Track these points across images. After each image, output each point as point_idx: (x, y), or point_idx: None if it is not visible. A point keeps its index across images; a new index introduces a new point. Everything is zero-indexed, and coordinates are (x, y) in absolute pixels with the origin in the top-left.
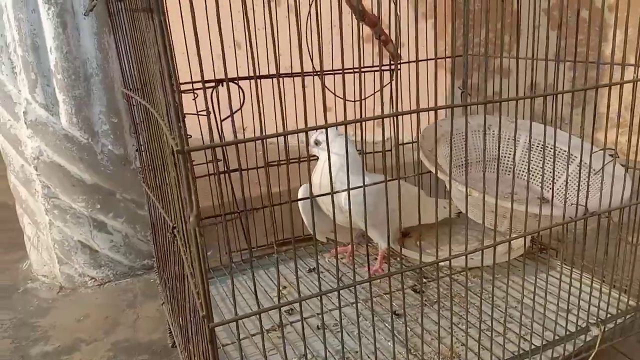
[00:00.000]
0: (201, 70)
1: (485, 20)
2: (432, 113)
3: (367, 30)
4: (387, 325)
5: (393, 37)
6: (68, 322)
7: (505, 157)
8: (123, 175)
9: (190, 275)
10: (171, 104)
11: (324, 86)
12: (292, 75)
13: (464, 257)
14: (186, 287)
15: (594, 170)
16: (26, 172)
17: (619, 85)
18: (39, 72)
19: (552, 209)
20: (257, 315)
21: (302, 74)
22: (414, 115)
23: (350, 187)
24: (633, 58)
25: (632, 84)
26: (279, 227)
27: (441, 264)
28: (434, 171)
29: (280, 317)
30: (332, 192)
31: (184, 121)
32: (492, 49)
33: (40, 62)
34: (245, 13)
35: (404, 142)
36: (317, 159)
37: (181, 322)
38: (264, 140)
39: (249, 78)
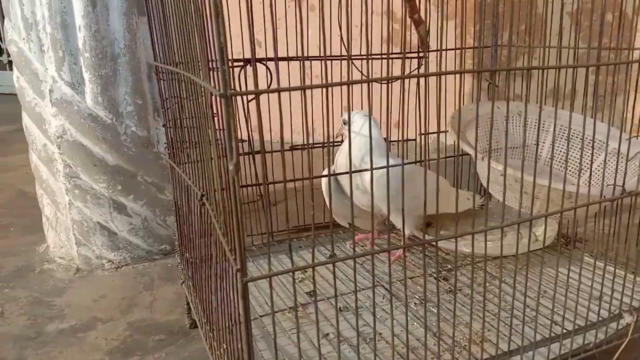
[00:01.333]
0: (223, 50)
1: (510, 16)
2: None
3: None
4: (410, 310)
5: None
6: (84, 302)
7: (540, 145)
8: (145, 157)
9: (222, 236)
10: (216, 44)
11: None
12: (319, 58)
13: (496, 246)
14: (216, 252)
15: (630, 157)
16: (48, 151)
17: None
18: (66, 50)
19: (589, 187)
20: (291, 274)
21: (325, 58)
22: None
23: (379, 166)
24: None
25: None
26: (302, 213)
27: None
28: (469, 151)
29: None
30: (351, 172)
31: (227, 65)
32: (514, 51)
33: (69, 40)
34: None
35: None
36: (341, 143)
37: (204, 296)
38: (304, 91)
39: (276, 59)
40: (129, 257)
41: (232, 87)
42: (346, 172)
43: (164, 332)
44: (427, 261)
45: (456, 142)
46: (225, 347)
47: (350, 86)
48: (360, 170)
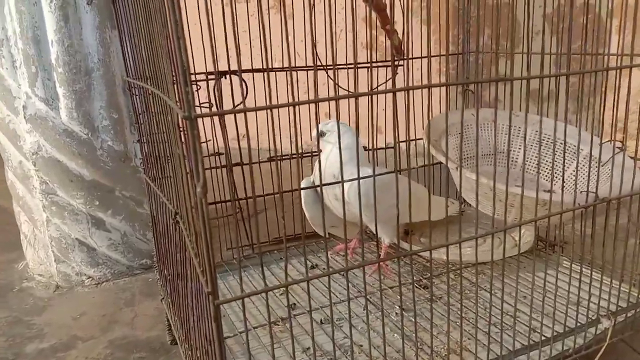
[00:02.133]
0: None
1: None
2: (438, 108)
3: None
4: (390, 320)
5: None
6: (64, 320)
7: (513, 151)
8: (123, 172)
9: (194, 256)
10: (179, 65)
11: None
12: (284, 70)
13: (474, 253)
14: (189, 271)
15: (602, 162)
16: (24, 168)
17: (626, 74)
18: (39, 66)
19: (562, 195)
20: (264, 294)
21: (291, 69)
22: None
23: (352, 178)
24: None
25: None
26: (282, 224)
27: (451, 259)
28: (442, 160)
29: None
30: (322, 185)
31: (191, 86)
32: (490, 53)
33: (41, 55)
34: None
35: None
36: (320, 153)
37: (182, 314)
38: (271, 110)
39: (252, 71)
40: (109, 272)
41: (208, 102)
42: (322, 185)
43: (144, 349)
44: (409, 269)
45: (428, 151)
46: None
47: (318, 105)
48: (333, 183)
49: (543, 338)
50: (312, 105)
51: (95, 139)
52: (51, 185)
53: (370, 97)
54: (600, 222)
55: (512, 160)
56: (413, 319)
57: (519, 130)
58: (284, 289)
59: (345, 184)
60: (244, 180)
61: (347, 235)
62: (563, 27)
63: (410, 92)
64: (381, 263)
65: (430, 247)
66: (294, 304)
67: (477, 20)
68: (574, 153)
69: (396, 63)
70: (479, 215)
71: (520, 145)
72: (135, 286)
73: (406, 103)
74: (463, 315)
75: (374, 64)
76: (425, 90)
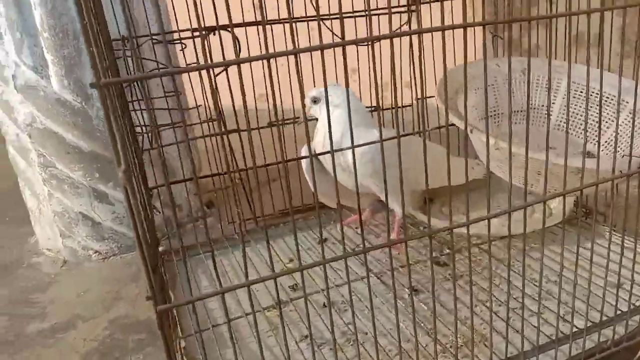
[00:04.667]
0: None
1: None
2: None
3: None
4: (401, 303)
5: None
6: (68, 297)
7: (543, 106)
8: None
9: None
10: (81, 25)
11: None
12: (282, 22)
13: (491, 225)
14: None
15: None
16: (22, 141)
17: None
18: (24, 31)
19: (598, 162)
20: (221, 296)
21: (292, 20)
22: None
23: (361, 143)
24: None
25: None
26: (287, 194)
27: (474, 232)
28: (455, 121)
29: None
30: (319, 154)
31: (101, 44)
32: None
33: (25, 19)
34: None
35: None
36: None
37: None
38: (269, 62)
39: (245, 25)
40: (115, 247)
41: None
42: (325, 153)
43: (144, 330)
44: (427, 243)
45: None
46: None
47: (323, 52)
48: (346, 149)
49: (575, 330)
50: (315, 60)
51: (90, 108)
52: (49, 158)
53: (391, 42)
54: None
55: (544, 117)
56: (427, 304)
57: (557, 83)
58: (287, 265)
59: (349, 151)
60: (242, 148)
61: (354, 205)
62: None
63: (425, 40)
64: (398, 247)
65: (450, 227)
66: (296, 284)
67: None
68: (615, 108)
69: (412, 8)
70: (510, 194)
71: (555, 100)
72: None
73: (421, 51)
74: (481, 300)
75: (384, 11)
76: (439, 36)
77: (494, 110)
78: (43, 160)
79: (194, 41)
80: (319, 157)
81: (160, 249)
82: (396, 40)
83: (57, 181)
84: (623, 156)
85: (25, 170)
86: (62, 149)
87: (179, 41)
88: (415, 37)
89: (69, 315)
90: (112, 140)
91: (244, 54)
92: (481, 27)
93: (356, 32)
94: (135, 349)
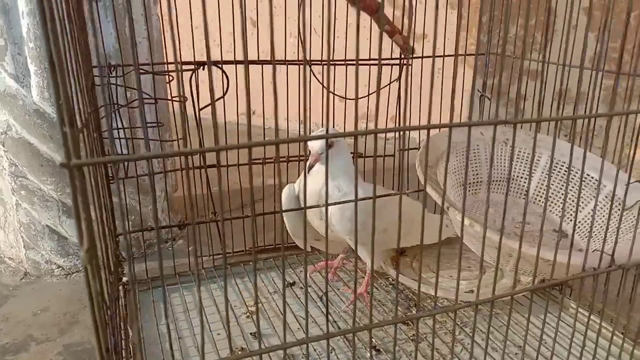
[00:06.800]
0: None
1: (505, 17)
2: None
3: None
4: None
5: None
6: (24, 315)
7: (521, 178)
8: None
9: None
10: (58, 89)
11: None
12: (267, 62)
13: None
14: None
15: (626, 205)
16: None
17: None
18: (9, 39)
19: (569, 256)
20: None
21: (285, 62)
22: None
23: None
24: None
25: None
26: (260, 232)
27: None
28: (430, 192)
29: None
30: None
31: (75, 124)
32: (521, 47)
33: (11, 27)
34: None
35: (409, 147)
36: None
37: None
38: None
39: (235, 63)
40: (79, 263)
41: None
42: (315, 206)
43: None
44: (393, 299)
45: (423, 181)
46: None
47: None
48: (337, 203)
49: None
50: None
51: None
52: (20, 168)
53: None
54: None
55: (520, 189)
56: None
57: (530, 155)
58: (251, 310)
59: (330, 206)
60: (220, 183)
61: (331, 252)
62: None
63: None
64: (363, 292)
65: (477, 302)
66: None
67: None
68: (595, 190)
69: (403, 62)
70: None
71: (534, 173)
72: None
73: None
74: None
75: (375, 62)
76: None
77: (474, 178)
78: (14, 169)
79: (180, 75)
80: (297, 198)
81: (124, 279)
82: (384, 90)
83: (27, 192)
84: (594, 251)
85: None
86: (36, 160)
87: (165, 73)
88: (403, 88)
89: (22, 336)
90: (77, 221)
91: (232, 89)
92: (469, 87)
93: (346, 79)
94: None
